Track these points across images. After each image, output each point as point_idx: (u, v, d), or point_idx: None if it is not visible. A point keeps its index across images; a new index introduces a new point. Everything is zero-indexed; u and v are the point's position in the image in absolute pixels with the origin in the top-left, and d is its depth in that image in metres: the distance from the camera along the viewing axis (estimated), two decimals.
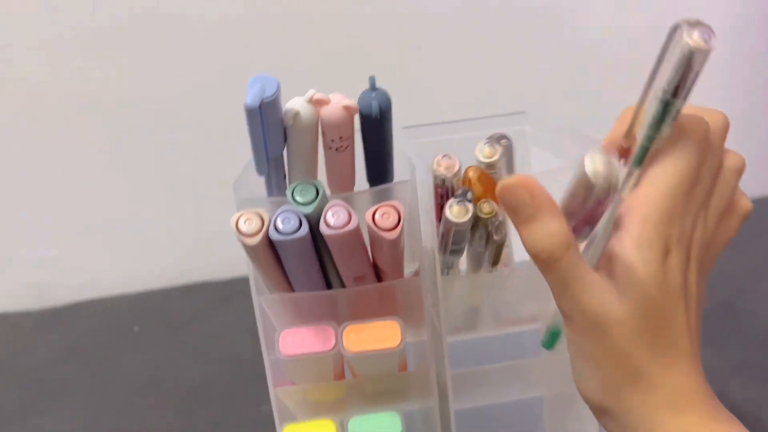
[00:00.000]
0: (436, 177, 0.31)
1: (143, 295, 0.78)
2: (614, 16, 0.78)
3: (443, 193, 0.31)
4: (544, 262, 0.25)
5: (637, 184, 0.26)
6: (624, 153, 0.28)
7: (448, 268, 0.34)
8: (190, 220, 0.80)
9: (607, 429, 0.28)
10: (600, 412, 0.28)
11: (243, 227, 0.29)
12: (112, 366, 0.65)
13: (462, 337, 0.42)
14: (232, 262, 0.80)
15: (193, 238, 0.81)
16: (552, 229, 0.25)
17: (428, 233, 0.34)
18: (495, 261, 0.33)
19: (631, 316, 0.25)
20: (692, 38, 0.23)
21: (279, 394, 0.36)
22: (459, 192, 0.29)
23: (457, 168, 0.31)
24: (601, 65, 0.78)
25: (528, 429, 0.46)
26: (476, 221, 0.30)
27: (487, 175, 0.31)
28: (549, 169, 0.34)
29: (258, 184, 0.33)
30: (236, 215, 0.29)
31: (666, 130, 0.25)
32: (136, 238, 0.80)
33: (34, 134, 0.74)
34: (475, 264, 0.34)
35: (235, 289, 0.77)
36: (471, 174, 0.31)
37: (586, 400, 0.28)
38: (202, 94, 0.74)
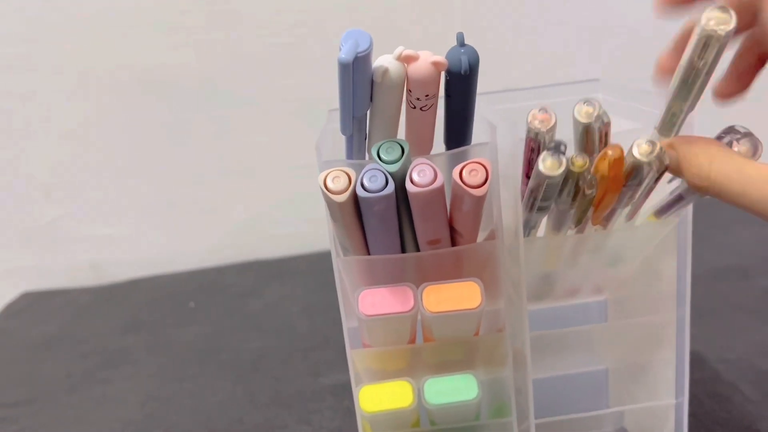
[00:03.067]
0: (530, 130, 0.31)
1: (197, 272, 0.80)
2: None
3: (534, 146, 0.31)
4: None
5: None
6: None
7: (530, 228, 0.34)
8: (244, 200, 0.81)
9: None
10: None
11: (331, 185, 0.30)
12: (170, 337, 0.66)
13: (533, 306, 0.42)
14: (283, 241, 0.82)
15: (246, 218, 0.82)
16: None
17: (505, 198, 0.34)
18: (579, 220, 0.33)
19: None
20: None
21: (354, 357, 0.37)
22: (552, 144, 0.29)
23: (552, 123, 0.30)
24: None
25: (594, 403, 0.46)
26: (566, 176, 0.30)
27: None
28: (626, 130, 0.34)
29: (338, 148, 0.34)
30: (324, 173, 0.30)
31: None
32: (191, 217, 0.81)
33: (93, 115, 0.76)
34: (557, 225, 0.34)
35: (286, 268, 0.78)
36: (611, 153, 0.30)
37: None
38: (261, 74, 0.74)
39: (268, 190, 0.80)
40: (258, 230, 0.82)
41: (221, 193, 0.81)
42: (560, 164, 0.28)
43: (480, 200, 0.30)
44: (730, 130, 0.29)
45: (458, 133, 0.33)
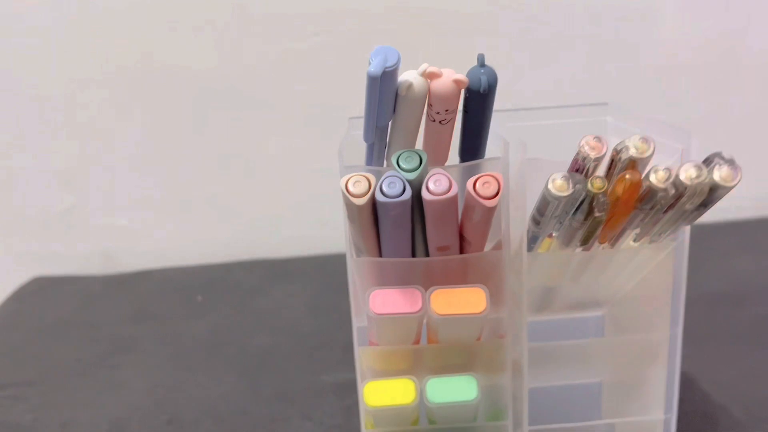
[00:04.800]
0: (579, 153, 0.32)
1: (207, 267, 0.82)
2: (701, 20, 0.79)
3: (579, 168, 0.32)
4: None
5: None
6: None
7: (535, 243, 0.36)
8: (257, 200, 0.83)
9: None
10: None
11: (352, 188, 0.32)
12: (177, 329, 0.68)
13: (533, 317, 0.44)
14: (293, 242, 0.84)
15: (258, 217, 0.84)
16: None
17: (513, 212, 0.36)
18: (586, 239, 0.35)
19: None
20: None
21: (361, 353, 0.38)
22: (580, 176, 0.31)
23: (603, 152, 0.32)
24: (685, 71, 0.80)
25: (586, 415, 0.47)
26: (583, 197, 0.32)
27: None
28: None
29: (359, 154, 0.36)
30: (346, 177, 0.32)
31: None
32: (204, 214, 0.83)
33: (115, 107, 0.78)
34: (565, 241, 0.35)
35: (295, 268, 0.80)
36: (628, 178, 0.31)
37: None
38: (281, 79, 0.77)
39: (281, 192, 0.82)
40: (269, 230, 0.84)
41: (235, 191, 0.83)
42: (568, 186, 0.30)
43: (491, 211, 0.31)
44: (716, 155, 0.31)
45: (473, 147, 0.35)
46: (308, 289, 0.75)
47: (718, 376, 0.54)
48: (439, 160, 0.36)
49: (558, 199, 0.31)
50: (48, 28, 0.75)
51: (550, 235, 0.37)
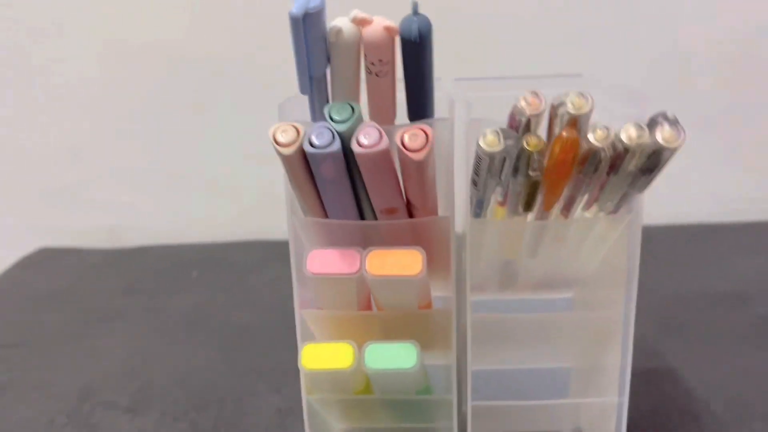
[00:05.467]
0: (514, 108, 0.31)
1: (206, 246, 0.82)
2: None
3: (514, 125, 0.31)
4: None
5: None
6: None
7: (480, 208, 0.34)
8: (259, 182, 0.83)
9: None
10: None
11: (279, 138, 0.31)
12: (166, 303, 0.68)
13: (489, 296, 0.43)
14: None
15: (259, 198, 0.84)
16: None
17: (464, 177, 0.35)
18: (528, 204, 0.33)
19: None
20: None
21: (304, 316, 0.38)
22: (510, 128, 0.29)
23: (541, 109, 0.31)
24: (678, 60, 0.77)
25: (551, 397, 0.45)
26: (520, 156, 0.30)
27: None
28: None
29: (303, 111, 0.35)
30: (274, 126, 0.31)
31: None
32: (206, 193, 0.84)
33: (123, 85, 0.79)
34: (512, 208, 0.34)
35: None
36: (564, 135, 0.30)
37: None
38: (288, 66, 0.76)
39: (283, 175, 0.82)
40: (269, 211, 0.84)
41: (238, 173, 0.83)
42: (498, 142, 0.29)
43: (420, 165, 0.30)
44: (660, 114, 0.29)
45: (418, 105, 0.34)
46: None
47: (705, 374, 0.52)
48: (386, 118, 0.35)
49: (489, 155, 0.29)
50: (59, 7, 0.76)
51: (502, 204, 0.35)
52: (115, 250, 0.82)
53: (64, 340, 0.62)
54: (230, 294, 0.70)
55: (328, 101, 0.34)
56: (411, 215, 0.36)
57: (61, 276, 0.76)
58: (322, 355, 0.35)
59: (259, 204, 0.84)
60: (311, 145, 0.31)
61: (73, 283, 0.74)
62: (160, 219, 0.85)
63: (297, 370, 0.56)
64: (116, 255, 0.81)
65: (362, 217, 0.36)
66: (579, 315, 0.40)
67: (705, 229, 0.80)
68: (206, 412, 0.50)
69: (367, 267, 0.33)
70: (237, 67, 0.77)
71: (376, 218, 0.36)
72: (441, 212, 0.37)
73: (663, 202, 0.81)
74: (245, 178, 0.83)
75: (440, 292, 0.39)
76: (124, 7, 0.76)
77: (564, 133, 0.30)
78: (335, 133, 0.30)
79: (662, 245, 0.76)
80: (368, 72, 0.32)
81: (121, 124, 0.81)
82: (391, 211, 0.35)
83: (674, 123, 0.29)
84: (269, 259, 0.78)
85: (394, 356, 0.35)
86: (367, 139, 0.30)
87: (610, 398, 0.38)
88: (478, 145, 0.30)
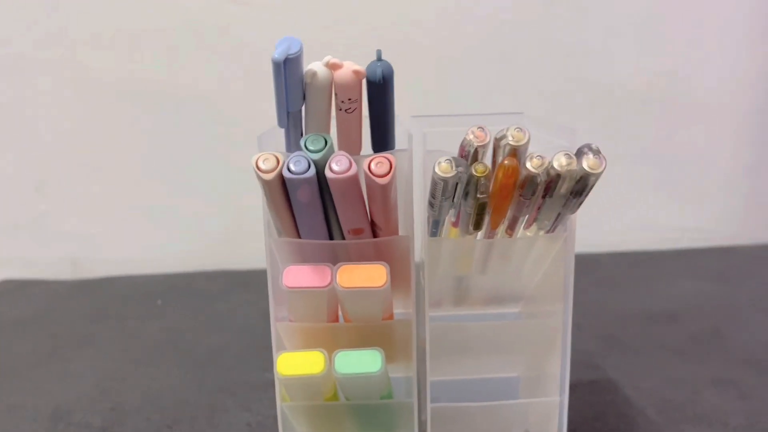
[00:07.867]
0: (464, 140, 0.36)
1: (169, 276, 0.85)
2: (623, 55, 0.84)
3: (464, 155, 0.36)
4: None
5: None
6: None
7: (436, 228, 0.39)
8: (220, 212, 0.86)
9: None
10: None
11: (262, 165, 0.35)
12: (135, 328, 0.71)
13: (445, 311, 0.47)
14: (254, 255, 0.86)
15: (220, 230, 0.87)
16: None
17: (422, 201, 0.40)
18: (477, 224, 0.38)
19: None
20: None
21: (279, 329, 0.41)
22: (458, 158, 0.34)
23: (486, 140, 0.35)
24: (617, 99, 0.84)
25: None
26: (469, 181, 0.35)
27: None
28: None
29: (279, 143, 0.39)
30: (257, 155, 0.35)
31: None
32: (168, 224, 0.87)
33: (88, 118, 0.82)
34: (463, 228, 0.39)
35: (254, 278, 0.83)
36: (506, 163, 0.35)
37: None
38: (250, 97, 0.81)
39: (245, 207, 0.85)
40: (232, 242, 0.87)
41: (201, 204, 0.86)
42: (452, 168, 0.34)
43: (385, 189, 0.35)
44: (585, 146, 0.35)
45: (381, 137, 0.38)
46: (265, 297, 0.77)
47: (641, 383, 0.57)
48: (353, 149, 0.39)
49: (443, 180, 0.34)
50: (29, 41, 0.79)
51: (455, 224, 0.40)
52: (80, 281, 0.84)
53: (35, 365, 0.63)
54: (197, 319, 0.73)
55: (302, 134, 0.38)
56: (375, 235, 0.40)
57: (28, 305, 0.77)
58: (295, 363, 0.39)
59: (221, 235, 0.87)
60: (290, 171, 0.35)
61: (40, 311, 0.76)
62: (122, 250, 0.87)
63: (265, 388, 0.59)
64: (82, 286, 0.83)
65: (331, 237, 0.40)
66: (525, 323, 0.45)
67: (643, 256, 0.88)
68: (179, 428, 0.53)
69: (337, 280, 0.37)
70: (200, 104, 0.81)
71: (344, 238, 0.40)
72: (402, 232, 0.41)
73: (608, 231, 0.89)
74: (205, 209, 0.86)
75: (401, 309, 0.44)
76: (90, 41, 0.79)
77: (506, 162, 0.35)
78: (310, 162, 0.35)
79: (607, 270, 0.83)
80: (338, 109, 0.36)
81: (85, 156, 0.84)
82: (357, 232, 0.40)
83: (597, 153, 0.34)
84: (233, 286, 0.81)
85: (362, 362, 0.39)
86: (338, 166, 0.35)
87: (553, 398, 0.42)
88: (434, 172, 0.34)
